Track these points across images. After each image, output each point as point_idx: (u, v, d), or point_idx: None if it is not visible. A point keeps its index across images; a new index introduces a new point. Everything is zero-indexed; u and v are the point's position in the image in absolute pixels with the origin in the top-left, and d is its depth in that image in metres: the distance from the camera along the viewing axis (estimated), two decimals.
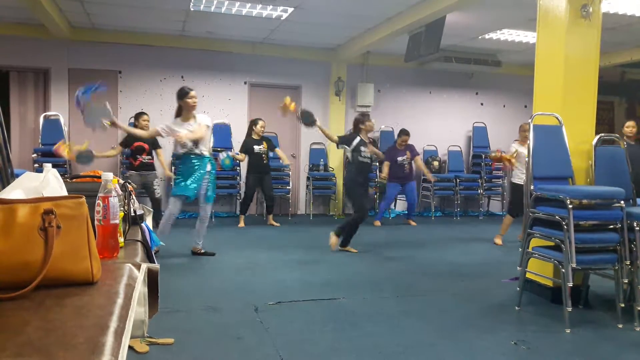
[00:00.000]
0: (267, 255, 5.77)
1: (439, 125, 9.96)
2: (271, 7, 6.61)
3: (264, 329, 3.48)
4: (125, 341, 0.87)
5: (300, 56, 9.05)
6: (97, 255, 1.09)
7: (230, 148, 7.33)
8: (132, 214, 1.74)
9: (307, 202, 9.19)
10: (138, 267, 1.26)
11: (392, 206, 9.51)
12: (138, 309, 1.22)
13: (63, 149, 5.58)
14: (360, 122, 6.09)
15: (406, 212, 9.05)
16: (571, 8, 4.14)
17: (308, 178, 9.02)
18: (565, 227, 3.61)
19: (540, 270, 4.18)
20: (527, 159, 4.14)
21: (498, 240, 6.74)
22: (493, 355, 3.14)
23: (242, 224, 7.76)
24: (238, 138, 8.65)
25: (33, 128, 8.17)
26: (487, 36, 7.88)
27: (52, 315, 0.89)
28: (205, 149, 5.32)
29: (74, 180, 1.98)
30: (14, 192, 1.14)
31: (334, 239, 5.99)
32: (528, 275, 4.22)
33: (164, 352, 3.04)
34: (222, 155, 7.03)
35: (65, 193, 1.28)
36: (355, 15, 6.88)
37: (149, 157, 7.08)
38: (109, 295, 1.02)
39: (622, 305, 3.73)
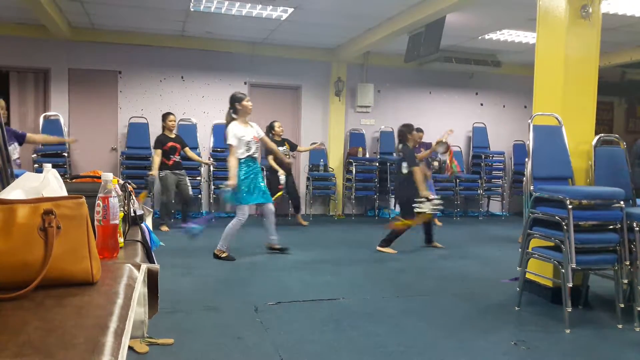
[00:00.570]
0: (267, 256, 5.77)
1: (438, 125, 9.94)
2: (271, 7, 6.62)
3: (264, 329, 3.48)
4: (125, 341, 0.87)
5: (300, 56, 9.05)
6: (97, 255, 1.09)
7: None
8: (132, 214, 1.74)
9: (307, 203, 9.19)
10: (138, 267, 1.26)
11: (393, 206, 9.51)
12: (138, 309, 1.22)
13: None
14: (408, 132, 6.12)
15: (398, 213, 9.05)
16: (571, 8, 4.15)
17: (308, 178, 9.02)
18: (565, 227, 3.61)
19: (540, 271, 4.18)
20: (526, 159, 4.14)
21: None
22: (493, 355, 3.14)
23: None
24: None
25: (33, 128, 8.15)
26: (487, 36, 7.89)
27: (52, 315, 0.89)
28: (258, 154, 5.62)
29: (73, 180, 1.98)
30: (14, 192, 1.14)
31: (387, 250, 6.11)
32: (528, 275, 4.22)
33: (164, 352, 3.04)
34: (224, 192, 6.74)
35: (65, 193, 1.28)
36: (355, 15, 6.88)
37: (180, 157, 7.32)
38: (109, 295, 1.02)
39: (622, 305, 3.73)
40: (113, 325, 0.86)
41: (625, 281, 3.78)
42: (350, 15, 6.91)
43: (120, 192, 1.53)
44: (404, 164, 6.04)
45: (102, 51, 8.19)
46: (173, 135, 7.33)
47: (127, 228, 1.62)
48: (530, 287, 4.37)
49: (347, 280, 4.83)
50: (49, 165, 1.37)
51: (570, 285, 3.62)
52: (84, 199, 1.07)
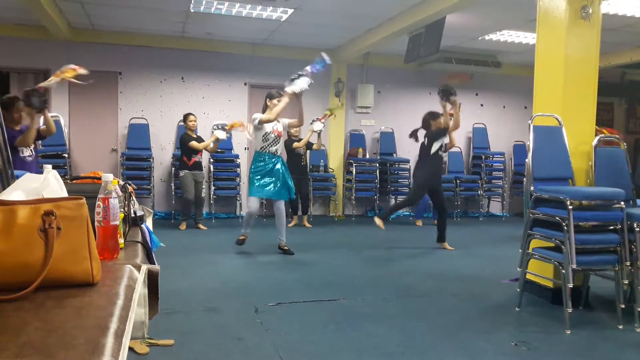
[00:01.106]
0: (267, 256, 5.77)
1: None
2: (271, 8, 6.62)
3: (264, 329, 3.48)
4: (126, 342, 0.87)
5: (300, 57, 9.02)
6: (97, 256, 1.09)
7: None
8: (132, 215, 1.75)
9: None
10: (138, 268, 1.26)
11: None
12: (138, 310, 1.22)
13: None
14: (432, 118, 6.43)
15: (407, 213, 9.06)
16: (571, 9, 4.15)
17: (308, 179, 9.01)
18: (565, 228, 3.61)
19: (540, 271, 4.18)
20: (526, 160, 4.13)
21: None
22: (493, 355, 3.14)
23: (293, 224, 7.90)
24: (238, 139, 8.66)
25: None
26: (487, 37, 7.89)
27: (52, 316, 0.89)
28: (280, 150, 5.69)
29: (74, 181, 1.98)
30: (14, 193, 1.14)
31: (379, 222, 6.35)
32: (528, 276, 4.22)
33: (164, 353, 3.04)
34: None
35: (65, 194, 1.28)
36: (355, 16, 6.88)
37: (201, 157, 7.40)
38: (109, 296, 1.02)
39: (623, 306, 3.73)
40: (113, 326, 0.86)
41: (626, 282, 3.78)
42: (350, 16, 6.91)
43: (120, 193, 1.53)
44: (435, 144, 6.30)
45: (102, 52, 8.19)
46: (195, 136, 7.35)
47: (127, 229, 1.62)
48: (530, 287, 4.37)
49: (347, 281, 4.83)
50: (49, 166, 1.37)
51: (571, 285, 3.62)
52: (84, 200, 1.07)
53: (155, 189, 8.25)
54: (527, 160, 4.11)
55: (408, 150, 9.12)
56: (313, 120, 7.46)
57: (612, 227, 3.77)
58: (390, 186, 9.13)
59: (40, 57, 7.98)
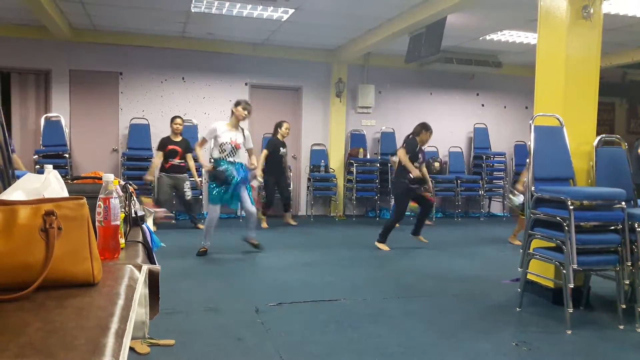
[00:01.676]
0: (268, 256, 5.77)
1: (439, 126, 9.92)
2: (272, 8, 6.62)
3: (265, 329, 3.48)
4: (126, 342, 0.87)
5: (300, 57, 9.06)
6: (98, 256, 1.09)
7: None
8: (133, 215, 1.74)
9: (307, 203, 9.19)
10: (139, 268, 1.26)
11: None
12: (139, 310, 1.22)
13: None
14: (424, 129, 6.34)
15: (408, 213, 9.03)
16: (572, 9, 4.14)
17: (309, 179, 9.02)
18: (566, 228, 3.61)
19: (541, 272, 4.18)
20: (527, 160, 4.13)
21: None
22: (494, 356, 3.13)
23: (265, 225, 7.76)
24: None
25: (34, 129, 8.18)
26: (487, 37, 7.88)
27: (53, 316, 0.89)
28: (239, 157, 5.61)
29: (75, 181, 1.98)
30: (15, 193, 1.14)
31: (382, 246, 6.33)
32: (529, 276, 4.22)
33: (165, 353, 3.04)
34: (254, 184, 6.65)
35: (66, 194, 1.28)
36: (356, 16, 6.88)
37: (181, 160, 7.30)
38: (110, 296, 1.02)
39: (623, 306, 3.73)
40: (114, 326, 0.86)
41: (627, 282, 3.78)
42: (351, 16, 6.91)
43: (121, 193, 1.52)
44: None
45: (103, 52, 8.20)
46: (178, 139, 7.28)
47: (128, 229, 1.62)
48: (531, 287, 4.37)
49: (348, 281, 4.83)
50: (50, 166, 1.37)
51: (572, 286, 3.62)
52: (85, 200, 1.07)
53: (156, 190, 8.24)
54: (528, 160, 4.11)
55: None
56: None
57: (613, 227, 3.77)
58: (391, 186, 9.11)
59: (41, 57, 7.99)
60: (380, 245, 6.31)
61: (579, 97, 4.22)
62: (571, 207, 3.60)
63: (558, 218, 3.70)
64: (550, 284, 4.21)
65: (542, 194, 3.90)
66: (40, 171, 1.38)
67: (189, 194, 7.33)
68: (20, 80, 8.18)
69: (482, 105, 10.29)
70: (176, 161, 7.24)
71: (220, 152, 5.48)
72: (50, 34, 7.60)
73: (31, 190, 1.17)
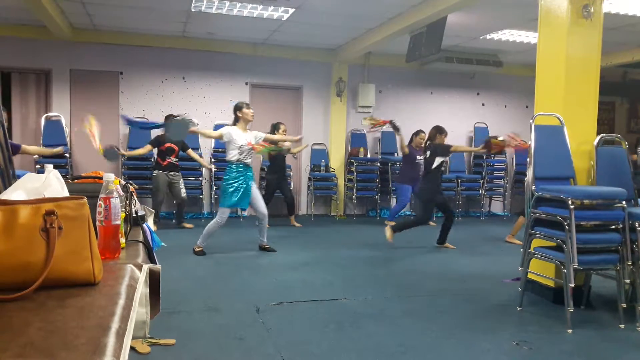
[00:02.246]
0: (268, 256, 5.77)
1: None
2: (272, 8, 6.62)
3: (266, 329, 3.48)
4: (127, 342, 0.87)
5: (301, 57, 9.05)
6: (98, 256, 1.09)
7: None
8: (134, 214, 1.75)
9: (308, 203, 9.19)
10: (140, 267, 1.26)
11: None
12: (139, 310, 1.22)
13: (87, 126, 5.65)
14: (439, 132, 6.50)
15: (408, 212, 9.05)
16: (572, 8, 4.14)
17: (309, 179, 9.02)
18: (566, 227, 3.61)
19: (541, 271, 4.18)
20: (528, 159, 4.13)
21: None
22: (495, 355, 3.13)
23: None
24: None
25: (35, 129, 8.18)
26: (488, 36, 7.88)
27: (53, 316, 0.89)
28: (250, 160, 5.70)
29: (75, 181, 1.98)
30: (15, 193, 1.14)
31: (389, 233, 6.34)
32: (530, 275, 4.22)
33: (166, 352, 3.04)
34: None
35: (66, 194, 1.28)
36: (356, 15, 6.88)
37: (177, 158, 7.36)
38: (111, 296, 1.02)
39: (624, 305, 3.73)
40: (115, 325, 0.86)
41: (628, 281, 3.78)
42: (351, 16, 6.91)
43: (121, 193, 1.53)
44: (437, 159, 6.30)
45: (103, 52, 8.20)
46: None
47: (128, 229, 1.62)
48: (532, 287, 4.37)
49: (348, 281, 4.83)
50: (51, 165, 1.37)
51: (572, 285, 3.61)
52: (85, 200, 1.07)
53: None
54: (528, 159, 4.11)
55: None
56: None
57: (613, 227, 3.77)
58: (392, 186, 9.11)
59: (42, 57, 7.99)
60: (389, 232, 6.31)
61: (579, 97, 4.22)
62: (572, 207, 3.60)
63: (559, 217, 3.69)
64: (551, 283, 4.21)
65: (543, 193, 3.90)
66: (41, 171, 1.38)
67: (184, 191, 7.46)
68: (21, 80, 8.18)
69: (483, 104, 10.28)
70: (173, 159, 7.31)
71: (239, 154, 5.57)
72: (51, 34, 7.60)
73: (32, 189, 1.17)
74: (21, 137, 8.14)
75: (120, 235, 1.40)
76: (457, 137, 10.04)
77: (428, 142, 6.54)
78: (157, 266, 1.37)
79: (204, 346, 3.17)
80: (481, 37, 7.96)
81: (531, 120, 4.11)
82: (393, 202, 9.49)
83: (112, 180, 1.32)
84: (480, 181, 9.52)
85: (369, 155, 9.38)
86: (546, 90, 4.37)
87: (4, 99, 7.93)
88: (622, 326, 3.67)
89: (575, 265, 3.57)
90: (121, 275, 1.16)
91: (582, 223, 3.66)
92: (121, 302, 0.98)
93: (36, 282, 0.98)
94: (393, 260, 5.82)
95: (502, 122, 10.23)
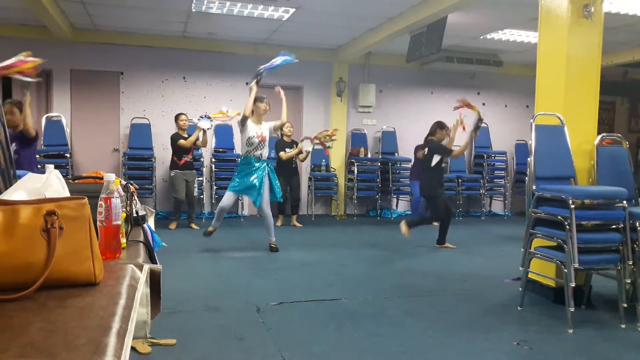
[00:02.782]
0: (269, 256, 5.77)
1: None
2: (272, 8, 6.62)
3: (266, 329, 3.48)
4: (128, 342, 0.87)
5: (301, 57, 9.00)
6: (99, 256, 1.09)
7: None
8: (135, 214, 1.75)
9: (308, 203, 9.19)
10: (140, 268, 1.26)
11: (395, 207, 9.50)
12: (140, 310, 1.22)
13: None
14: (440, 127, 6.56)
15: (409, 212, 9.03)
16: (573, 8, 4.14)
17: (310, 178, 9.01)
18: (567, 227, 3.61)
19: (542, 271, 4.18)
20: (528, 159, 4.13)
21: None
22: (495, 355, 3.13)
23: (280, 223, 7.93)
24: (240, 139, 8.66)
25: (35, 129, 8.17)
26: (488, 36, 7.88)
27: (54, 316, 0.90)
28: (266, 149, 5.75)
29: (76, 181, 1.98)
30: (16, 193, 1.14)
31: (405, 228, 6.28)
32: (530, 275, 4.22)
33: (166, 352, 3.04)
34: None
35: (67, 194, 1.28)
36: (357, 15, 6.88)
37: (192, 157, 7.47)
38: (112, 296, 1.02)
39: (625, 305, 3.73)
40: (115, 325, 0.86)
41: (628, 281, 3.78)
42: (352, 16, 6.91)
43: (122, 193, 1.53)
44: (435, 157, 6.31)
45: (104, 52, 8.20)
46: (186, 135, 7.34)
47: (129, 229, 1.62)
48: (532, 287, 4.37)
49: (349, 281, 4.83)
50: (52, 166, 1.37)
51: (573, 285, 3.61)
52: (86, 200, 1.07)
53: (157, 189, 8.26)
54: (529, 159, 4.11)
55: (410, 150, 9.11)
56: (304, 138, 7.45)
57: (614, 226, 3.76)
58: (392, 185, 9.12)
59: (42, 57, 7.89)
60: (404, 228, 6.25)
61: (579, 96, 4.22)
62: (572, 206, 3.60)
63: (559, 217, 3.69)
64: (552, 283, 4.21)
65: (544, 193, 3.89)
66: (42, 171, 1.38)
67: (197, 189, 7.55)
68: (21, 80, 8.18)
69: (483, 104, 10.27)
70: (189, 157, 7.39)
71: (248, 146, 5.62)
72: (51, 34, 7.60)
73: (32, 190, 1.17)
74: None
75: (121, 235, 1.40)
76: (458, 137, 10.03)
77: (428, 138, 6.53)
78: (158, 266, 1.37)
79: (204, 346, 3.17)
80: (481, 37, 7.96)
81: (532, 120, 4.11)
82: (393, 202, 9.50)
83: (112, 180, 1.32)
84: (481, 181, 9.52)
85: (369, 155, 9.38)
86: (547, 90, 4.37)
87: (5, 99, 7.92)
88: (622, 326, 3.67)
89: (576, 265, 3.57)
90: (122, 275, 1.16)
91: (582, 223, 3.66)
92: (122, 302, 0.98)
93: (37, 282, 0.98)
94: (393, 260, 5.82)
95: (503, 121, 10.23)
